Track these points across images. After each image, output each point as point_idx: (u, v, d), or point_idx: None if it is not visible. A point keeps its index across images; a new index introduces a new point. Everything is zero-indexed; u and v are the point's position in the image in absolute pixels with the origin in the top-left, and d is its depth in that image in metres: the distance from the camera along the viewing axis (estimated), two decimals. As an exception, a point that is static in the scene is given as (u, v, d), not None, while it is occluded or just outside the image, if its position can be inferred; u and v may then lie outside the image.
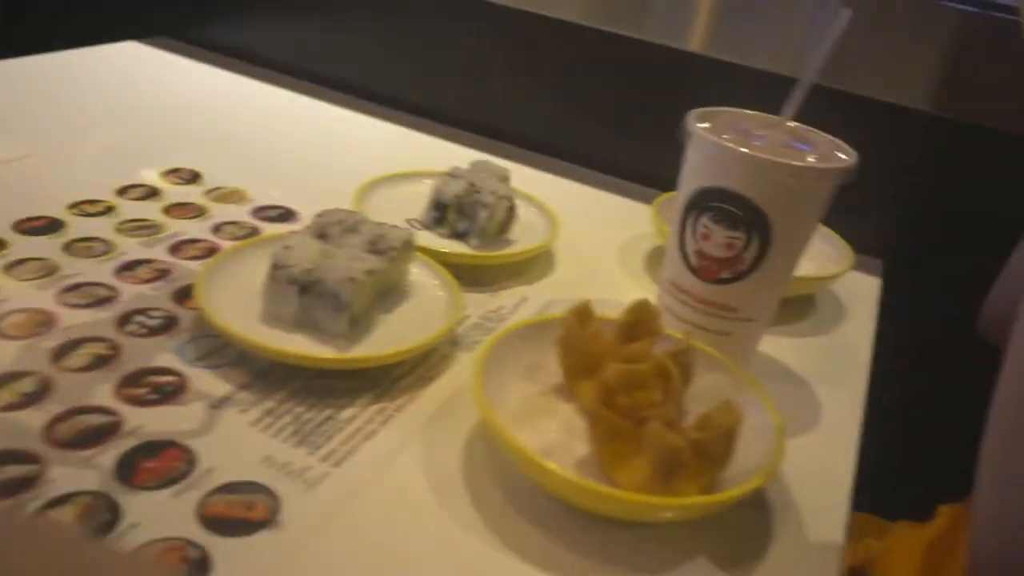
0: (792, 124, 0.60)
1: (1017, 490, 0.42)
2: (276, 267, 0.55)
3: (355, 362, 0.53)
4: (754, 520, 0.50)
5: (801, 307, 0.75)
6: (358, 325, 0.57)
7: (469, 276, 0.70)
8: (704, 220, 0.57)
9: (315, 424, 0.51)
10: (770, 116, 0.60)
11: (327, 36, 1.14)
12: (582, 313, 0.53)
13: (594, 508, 0.46)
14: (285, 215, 0.76)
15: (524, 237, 0.75)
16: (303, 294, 0.55)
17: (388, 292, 0.61)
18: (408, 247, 0.61)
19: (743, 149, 0.54)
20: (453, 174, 0.73)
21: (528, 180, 0.94)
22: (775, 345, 0.68)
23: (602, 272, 0.76)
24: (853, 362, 0.69)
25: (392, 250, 0.59)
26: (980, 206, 0.86)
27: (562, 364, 0.54)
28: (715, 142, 0.54)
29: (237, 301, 0.57)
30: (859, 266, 0.86)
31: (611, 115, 1.01)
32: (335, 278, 0.54)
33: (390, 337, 0.57)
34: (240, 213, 0.75)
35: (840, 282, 0.80)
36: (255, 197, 0.78)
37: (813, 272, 0.76)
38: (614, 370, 0.48)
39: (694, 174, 0.57)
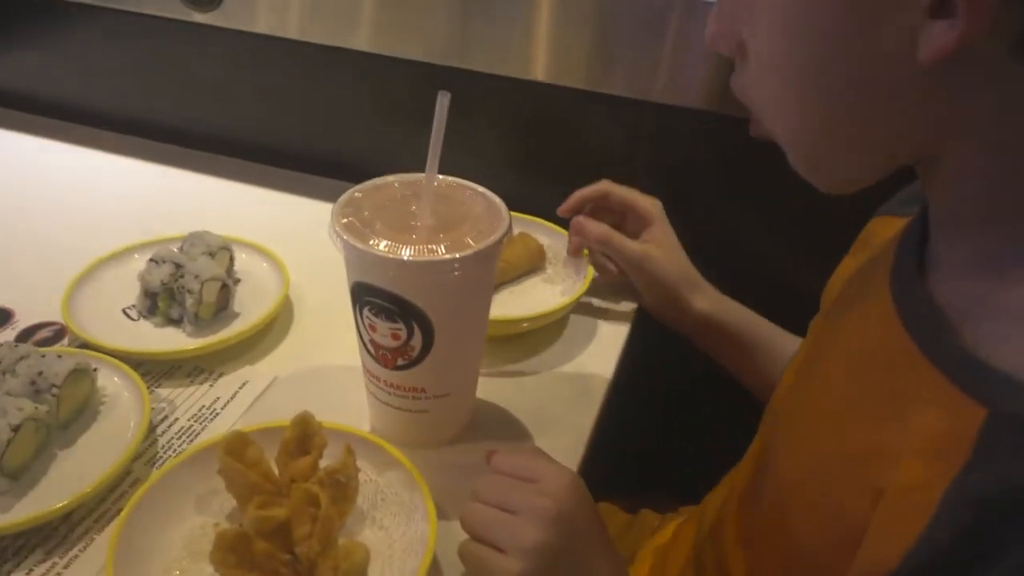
0: (445, 182, 0.57)
1: None
2: (-85, 436, 0.52)
3: (9, 528, 0.51)
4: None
5: (546, 335, 0.74)
6: (27, 473, 0.55)
7: (189, 365, 0.68)
8: (367, 313, 0.55)
9: (-30, 604, 0.49)
10: (417, 178, 0.57)
11: (72, 66, 1.06)
12: (234, 444, 0.51)
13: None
14: (0, 318, 0.72)
15: (252, 305, 0.72)
16: (-48, 459, 0.52)
17: (67, 424, 0.58)
18: (79, 375, 0.58)
19: (367, 247, 0.51)
20: (157, 258, 0.69)
21: (279, 207, 0.92)
22: (506, 389, 0.68)
23: (340, 327, 0.73)
24: (586, 398, 0.68)
25: (53, 388, 0.56)
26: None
27: (230, 493, 0.52)
28: (346, 242, 0.52)
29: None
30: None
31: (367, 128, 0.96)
32: (-24, 442, 0.51)
33: (65, 481, 0.55)
34: (-51, 326, 0.71)
35: (603, 287, 0.79)
36: (-30, 301, 0.74)
37: (557, 298, 0.75)
38: (249, 518, 0.47)
39: (347, 269, 0.55)
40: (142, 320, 0.70)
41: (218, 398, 0.65)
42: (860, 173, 0.42)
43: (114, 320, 0.70)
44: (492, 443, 0.62)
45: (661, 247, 0.72)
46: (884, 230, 0.53)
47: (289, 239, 0.80)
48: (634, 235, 0.73)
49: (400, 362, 0.56)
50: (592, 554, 0.50)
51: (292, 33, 0.91)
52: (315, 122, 0.98)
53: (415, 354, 0.55)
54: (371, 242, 0.52)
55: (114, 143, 1.03)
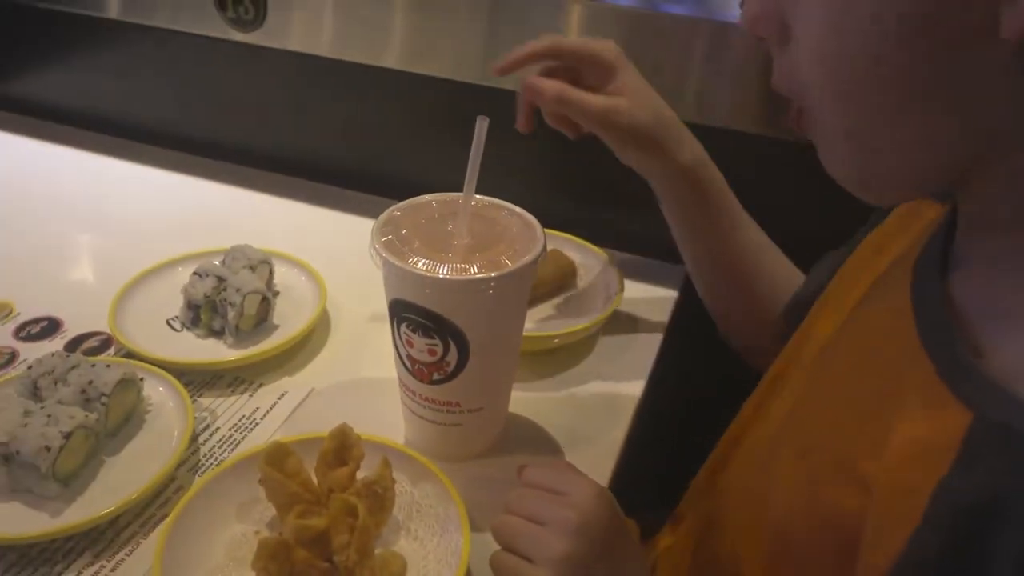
0: (482, 201, 0.59)
1: None
2: (-28, 442, 0.54)
3: (59, 532, 0.53)
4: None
5: (577, 351, 0.75)
6: (77, 479, 0.57)
7: (229, 376, 0.70)
8: (404, 329, 0.56)
9: (22, 607, 0.51)
10: (454, 197, 0.58)
11: (117, 82, 1.10)
12: (275, 454, 0.53)
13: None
14: (49, 328, 0.74)
15: (290, 317, 0.74)
16: (6, 463, 0.55)
17: (115, 432, 0.61)
18: (127, 385, 0.60)
19: (406, 265, 0.53)
20: (201, 271, 0.72)
21: (316, 221, 0.94)
22: (537, 404, 0.69)
23: (376, 341, 0.75)
24: (615, 415, 0.69)
25: (103, 396, 0.58)
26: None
27: (270, 502, 0.54)
28: (385, 259, 0.54)
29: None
30: (660, 278, 0.86)
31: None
32: (30, 448, 0.54)
33: (113, 486, 0.57)
34: (1, 335, 0.73)
35: (633, 304, 0.80)
36: (21, 310, 0.76)
37: (588, 315, 0.76)
38: (289, 526, 0.49)
39: (385, 286, 0.57)
40: (185, 331, 0.73)
41: (257, 408, 0.67)
42: (910, 180, 0.41)
43: (158, 330, 0.72)
44: (523, 457, 0.64)
45: (629, 96, 0.64)
46: (928, 213, 0.52)
47: (327, 253, 0.82)
48: (597, 91, 0.65)
49: (436, 377, 0.58)
50: (618, 563, 0.51)
51: (326, 51, 0.93)
52: (351, 138, 1.01)
53: (450, 369, 0.57)
54: (409, 260, 0.53)
55: (157, 158, 1.06)
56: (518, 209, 0.59)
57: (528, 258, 0.54)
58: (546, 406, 0.69)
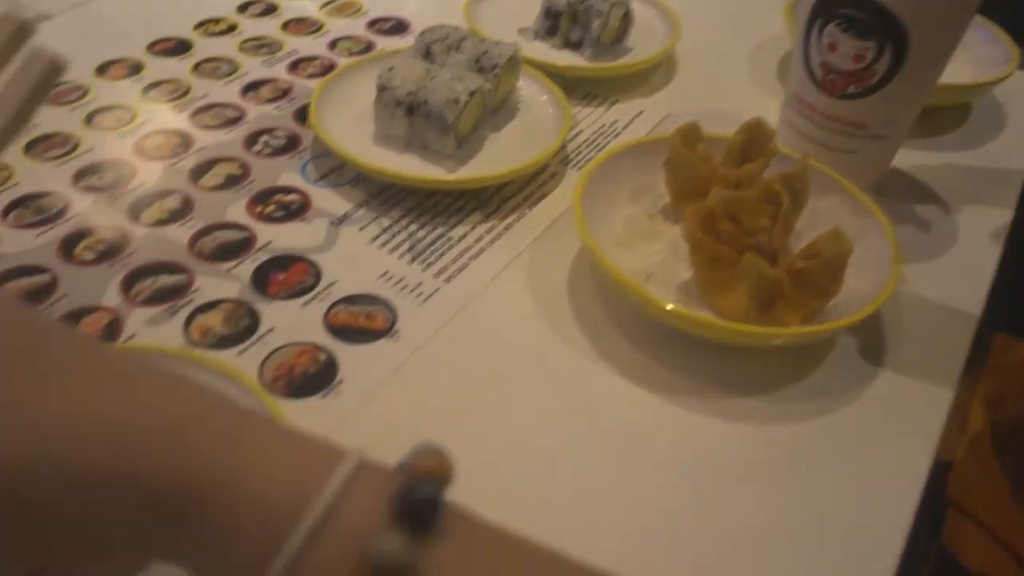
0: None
1: None
2: (381, 89, 0.56)
3: (462, 183, 0.55)
4: (864, 346, 0.49)
5: (952, 117, 0.69)
6: (467, 144, 0.58)
7: (583, 88, 0.68)
8: (830, 29, 0.52)
9: (428, 242, 0.53)
10: None
11: None
12: (689, 134, 0.51)
13: (692, 333, 0.47)
14: (398, 27, 0.75)
15: (642, 44, 0.71)
16: (410, 115, 0.56)
17: (496, 109, 0.61)
18: (514, 63, 0.60)
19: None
20: (566, -22, 0.69)
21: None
22: (915, 161, 0.64)
23: (728, 80, 0.72)
24: (1003, 182, 0.63)
25: (496, 67, 0.58)
26: None
27: (669, 186, 0.53)
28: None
29: (350, 121, 0.59)
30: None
31: None
32: (438, 99, 0.54)
33: (498, 156, 0.58)
34: (355, 27, 0.75)
35: (1003, 86, 0.72)
36: (369, 8, 0.77)
37: (967, 77, 0.69)
38: (717, 196, 0.47)
39: (824, -25, 0.52)
40: (537, 41, 0.71)
41: (616, 120, 0.66)
42: None
43: (510, 39, 0.71)
44: (904, 206, 0.60)
45: None
46: None
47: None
48: None
49: (851, 90, 0.53)
50: None
51: None
52: None
53: (874, 80, 0.52)
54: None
55: None
56: None
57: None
58: (921, 161, 0.64)
